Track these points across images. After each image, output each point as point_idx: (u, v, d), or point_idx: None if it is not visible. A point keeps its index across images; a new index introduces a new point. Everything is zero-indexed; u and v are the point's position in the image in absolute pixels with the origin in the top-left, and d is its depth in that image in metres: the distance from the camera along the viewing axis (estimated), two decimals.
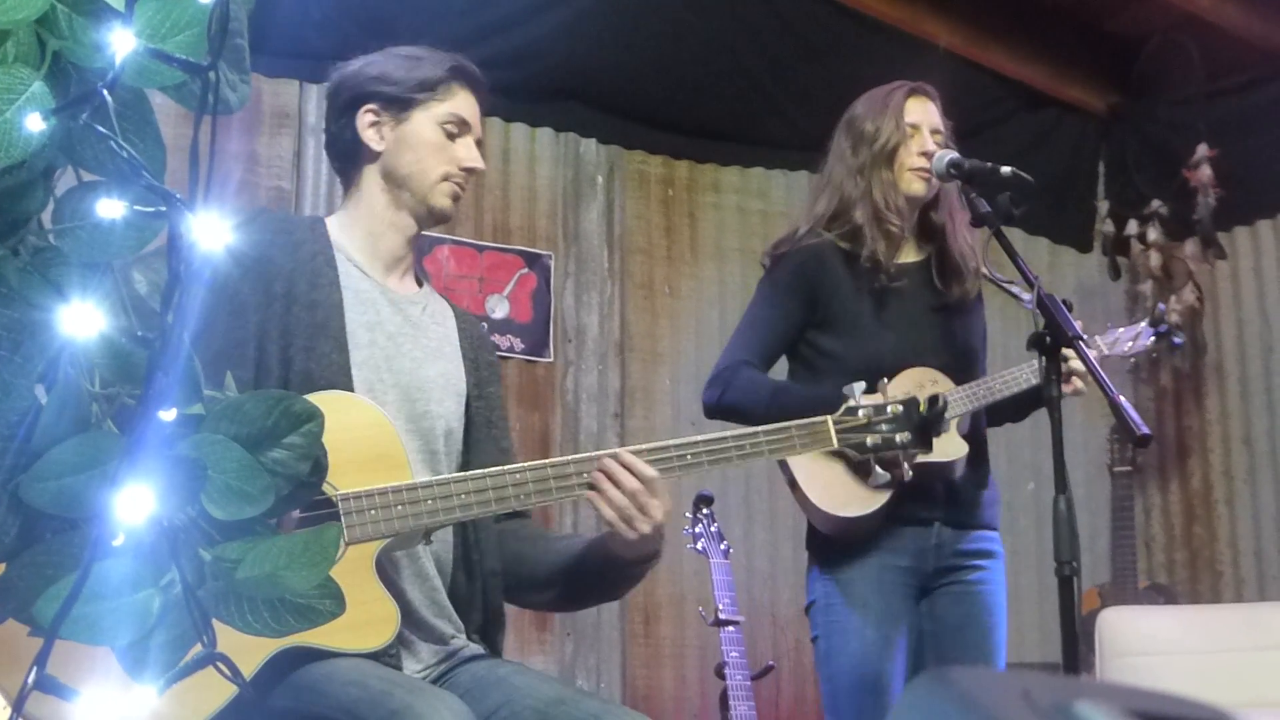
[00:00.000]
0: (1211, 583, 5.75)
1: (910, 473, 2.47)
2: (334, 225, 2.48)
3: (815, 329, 3.19)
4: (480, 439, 2.47)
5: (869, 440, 2.42)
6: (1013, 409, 3.34)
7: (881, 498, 2.98)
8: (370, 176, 2.46)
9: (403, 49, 2.50)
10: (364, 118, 2.44)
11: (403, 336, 2.41)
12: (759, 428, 2.39)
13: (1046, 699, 0.57)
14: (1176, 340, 3.54)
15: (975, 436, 3.20)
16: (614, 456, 2.23)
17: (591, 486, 2.23)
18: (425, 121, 2.43)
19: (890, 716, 0.65)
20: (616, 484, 2.21)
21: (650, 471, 2.22)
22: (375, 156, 2.44)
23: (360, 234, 2.45)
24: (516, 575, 2.45)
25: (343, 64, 2.52)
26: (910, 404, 2.43)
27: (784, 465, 3.06)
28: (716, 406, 3.20)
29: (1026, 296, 3.45)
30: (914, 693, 0.63)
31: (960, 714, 0.57)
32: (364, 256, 2.44)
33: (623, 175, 5.38)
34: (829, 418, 2.41)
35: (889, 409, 2.42)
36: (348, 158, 2.48)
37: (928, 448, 2.45)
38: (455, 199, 2.47)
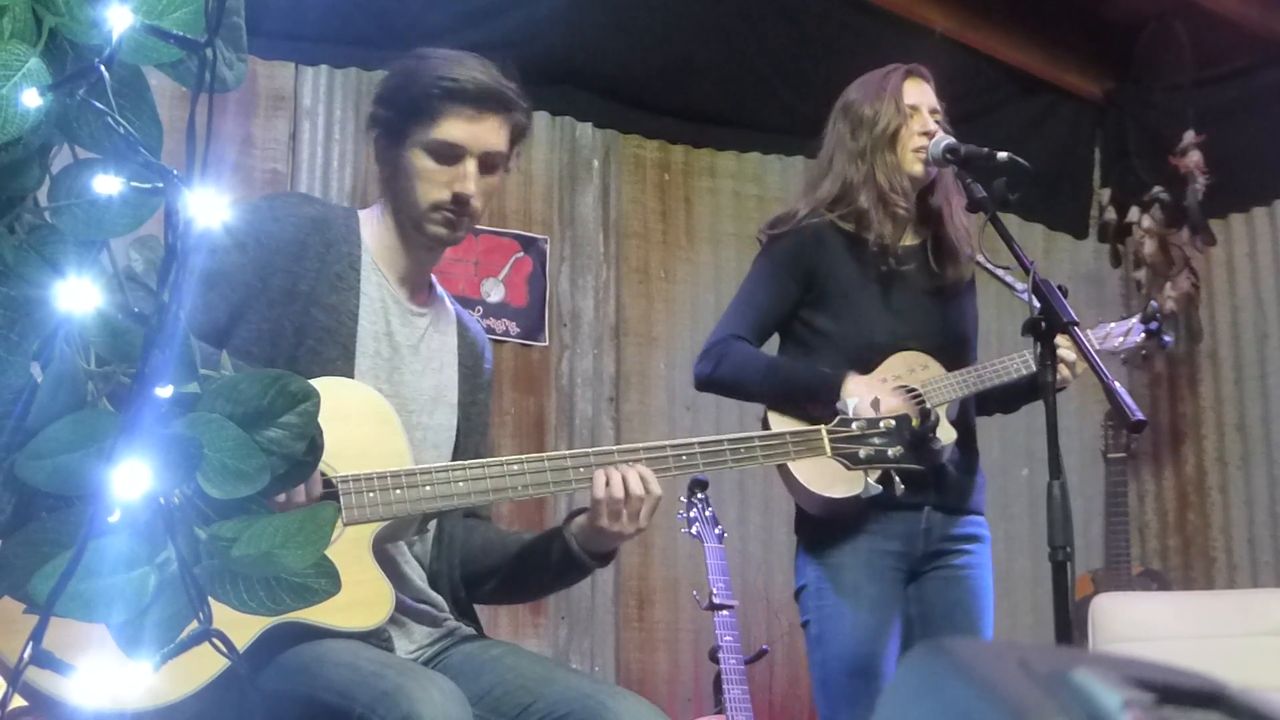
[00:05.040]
0: (1204, 569, 5.76)
1: (902, 486, 2.49)
2: (366, 222, 2.45)
3: (810, 308, 3.19)
4: (467, 444, 2.48)
5: (861, 452, 2.46)
6: (1004, 400, 3.35)
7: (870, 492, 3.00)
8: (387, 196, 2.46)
9: (429, 56, 2.39)
10: (376, 143, 2.42)
11: (407, 349, 2.41)
12: (754, 434, 2.45)
13: (1044, 667, 0.57)
14: (1166, 339, 3.55)
15: (964, 422, 3.21)
16: (640, 475, 2.29)
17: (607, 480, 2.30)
18: (416, 150, 2.36)
19: (888, 688, 0.66)
20: (628, 486, 2.27)
21: (658, 489, 2.30)
22: (386, 180, 2.42)
23: (384, 243, 2.43)
24: (471, 569, 2.48)
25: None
26: (903, 419, 2.48)
27: None
28: (710, 380, 3.20)
29: (1020, 286, 3.46)
30: (911, 664, 0.64)
31: (958, 683, 0.57)
32: (385, 263, 2.43)
33: (618, 159, 5.38)
34: (823, 427, 2.46)
35: (881, 424, 2.47)
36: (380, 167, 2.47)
37: (919, 463, 2.49)
38: (450, 226, 2.38)
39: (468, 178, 2.35)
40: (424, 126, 2.34)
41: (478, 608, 2.49)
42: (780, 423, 3.10)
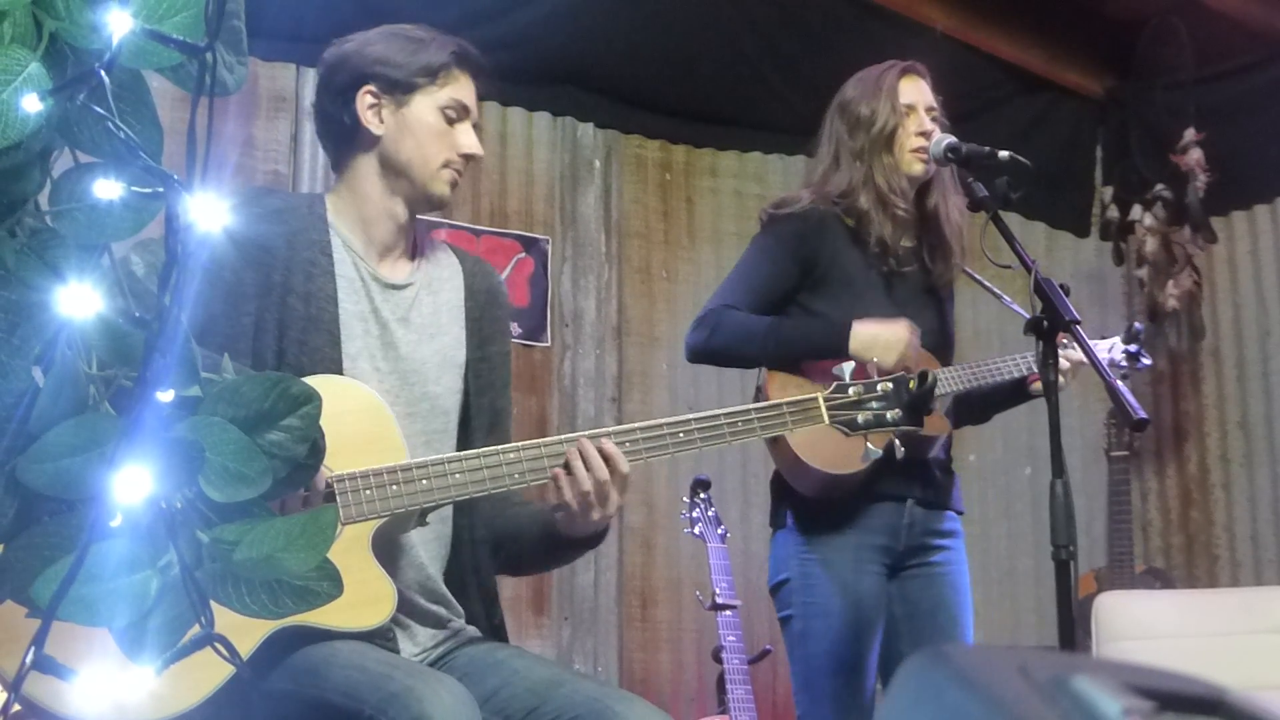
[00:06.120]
0: (1208, 567, 5.76)
1: (902, 449, 2.45)
2: (331, 205, 2.44)
3: (808, 292, 3.17)
4: (480, 403, 2.45)
5: (860, 417, 2.40)
6: (981, 407, 3.36)
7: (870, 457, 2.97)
8: (365, 161, 2.41)
9: (402, 29, 2.45)
10: (363, 99, 2.38)
11: (397, 322, 2.39)
12: (750, 406, 2.40)
13: (1043, 674, 0.57)
14: (1143, 362, 3.56)
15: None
16: (597, 445, 2.24)
17: (566, 466, 2.25)
18: (427, 107, 2.39)
19: (887, 696, 0.66)
20: (589, 469, 2.23)
21: (625, 467, 2.24)
22: (373, 141, 2.39)
23: (353, 219, 2.42)
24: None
25: (339, 41, 2.47)
26: (900, 381, 2.41)
27: None
28: (705, 348, 3.15)
29: (1007, 298, 3.46)
30: (910, 671, 0.63)
31: (959, 690, 0.57)
32: (358, 241, 2.41)
33: (620, 159, 5.38)
34: (820, 395, 2.40)
35: (879, 387, 2.41)
36: (342, 140, 2.44)
37: (919, 425, 2.43)
38: (453, 185, 2.43)
39: (473, 137, 2.43)
40: (438, 86, 2.40)
41: None
42: (779, 382, 3.07)
